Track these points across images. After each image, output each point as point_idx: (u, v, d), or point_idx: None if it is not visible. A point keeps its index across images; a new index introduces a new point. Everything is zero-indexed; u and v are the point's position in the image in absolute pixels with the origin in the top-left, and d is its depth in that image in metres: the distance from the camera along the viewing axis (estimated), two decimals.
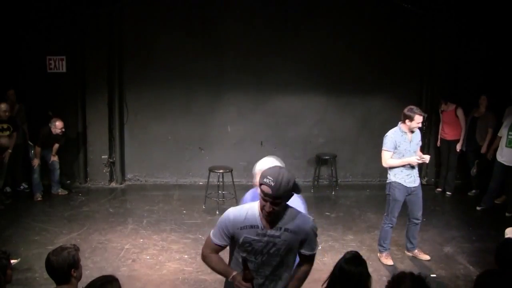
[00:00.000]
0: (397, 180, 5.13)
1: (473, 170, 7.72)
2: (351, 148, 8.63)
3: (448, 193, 7.87)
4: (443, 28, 8.13)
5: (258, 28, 8.09)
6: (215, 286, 4.67)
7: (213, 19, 8.09)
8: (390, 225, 5.29)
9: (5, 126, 6.91)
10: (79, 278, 2.86)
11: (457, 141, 7.68)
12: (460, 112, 7.59)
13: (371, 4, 8.08)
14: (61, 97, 8.01)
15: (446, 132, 7.70)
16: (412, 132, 5.10)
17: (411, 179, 5.16)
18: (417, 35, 8.35)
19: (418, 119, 4.98)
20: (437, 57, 8.23)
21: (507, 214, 6.89)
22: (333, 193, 8.03)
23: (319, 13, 8.11)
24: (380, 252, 5.43)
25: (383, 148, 5.15)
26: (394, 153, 5.11)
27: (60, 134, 7.36)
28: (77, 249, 2.89)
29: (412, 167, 5.14)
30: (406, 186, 5.14)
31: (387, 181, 5.26)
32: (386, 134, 5.21)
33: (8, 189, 7.44)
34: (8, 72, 7.72)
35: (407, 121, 5.03)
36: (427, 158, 5.14)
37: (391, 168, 5.16)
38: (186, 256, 5.46)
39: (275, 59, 8.15)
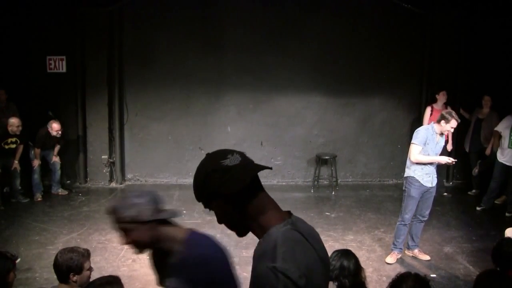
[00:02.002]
0: (415, 176, 5.10)
1: (475, 170, 7.71)
2: (351, 148, 8.63)
3: (445, 193, 7.85)
4: (443, 28, 8.14)
5: (258, 28, 8.09)
6: None
7: (213, 19, 8.09)
8: (402, 222, 5.26)
9: (13, 139, 7.01)
10: (80, 283, 2.84)
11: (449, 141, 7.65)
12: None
13: (371, 4, 8.08)
14: (61, 97, 8.02)
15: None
16: (441, 134, 5.09)
17: (429, 179, 5.13)
18: (417, 35, 8.36)
19: (453, 124, 4.97)
20: (437, 57, 8.23)
21: (507, 214, 6.90)
22: (333, 193, 8.03)
23: (319, 13, 8.11)
24: (391, 249, 5.43)
25: (413, 141, 5.09)
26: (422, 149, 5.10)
27: (58, 136, 7.36)
28: (85, 255, 2.86)
29: (439, 166, 5.13)
30: (422, 185, 5.11)
31: (405, 175, 5.24)
32: (418, 129, 5.20)
33: (7, 189, 7.44)
34: (2, 72, 7.69)
35: (442, 122, 5.00)
36: (455, 160, 5.13)
37: (413, 163, 5.14)
38: None
39: (275, 59, 8.15)
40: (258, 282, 1.39)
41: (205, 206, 1.55)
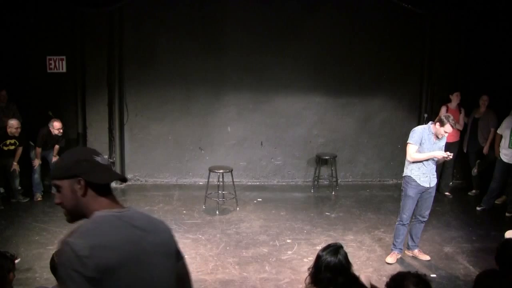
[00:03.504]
0: (412, 176, 5.14)
1: (474, 170, 7.72)
2: (351, 148, 8.63)
3: (447, 193, 7.86)
4: (443, 28, 8.14)
5: (258, 28, 8.09)
6: (215, 286, 4.65)
7: (213, 19, 8.09)
8: (401, 222, 5.29)
9: (12, 141, 6.98)
10: None
11: (455, 143, 7.65)
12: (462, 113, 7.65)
13: (371, 4, 8.07)
14: (61, 97, 8.00)
15: None
16: (438, 137, 5.12)
17: (427, 179, 5.16)
18: (417, 35, 8.36)
19: (447, 129, 5.00)
20: (437, 57, 8.24)
21: (507, 214, 6.90)
22: (333, 193, 8.03)
23: (319, 13, 8.11)
24: (391, 249, 5.45)
25: (409, 141, 5.15)
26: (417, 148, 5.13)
27: (59, 135, 7.36)
28: None
29: (442, 164, 5.13)
30: (419, 184, 5.14)
31: (403, 175, 5.29)
32: (414, 128, 5.26)
33: (1, 190, 7.43)
34: (2, 72, 7.67)
35: (438, 124, 5.05)
36: (451, 155, 5.16)
37: (410, 163, 5.17)
38: (186, 256, 5.41)
39: (275, 59, 8.15)
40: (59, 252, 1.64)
41: (55, 186, 1.76)
